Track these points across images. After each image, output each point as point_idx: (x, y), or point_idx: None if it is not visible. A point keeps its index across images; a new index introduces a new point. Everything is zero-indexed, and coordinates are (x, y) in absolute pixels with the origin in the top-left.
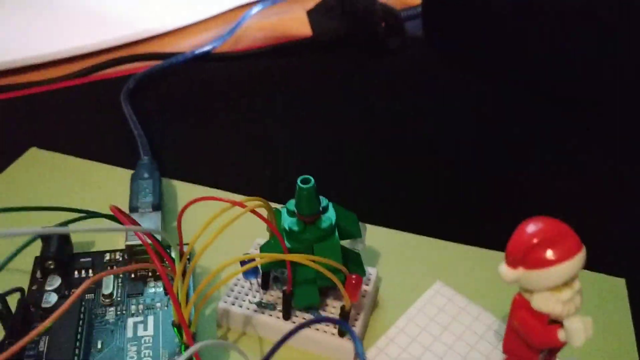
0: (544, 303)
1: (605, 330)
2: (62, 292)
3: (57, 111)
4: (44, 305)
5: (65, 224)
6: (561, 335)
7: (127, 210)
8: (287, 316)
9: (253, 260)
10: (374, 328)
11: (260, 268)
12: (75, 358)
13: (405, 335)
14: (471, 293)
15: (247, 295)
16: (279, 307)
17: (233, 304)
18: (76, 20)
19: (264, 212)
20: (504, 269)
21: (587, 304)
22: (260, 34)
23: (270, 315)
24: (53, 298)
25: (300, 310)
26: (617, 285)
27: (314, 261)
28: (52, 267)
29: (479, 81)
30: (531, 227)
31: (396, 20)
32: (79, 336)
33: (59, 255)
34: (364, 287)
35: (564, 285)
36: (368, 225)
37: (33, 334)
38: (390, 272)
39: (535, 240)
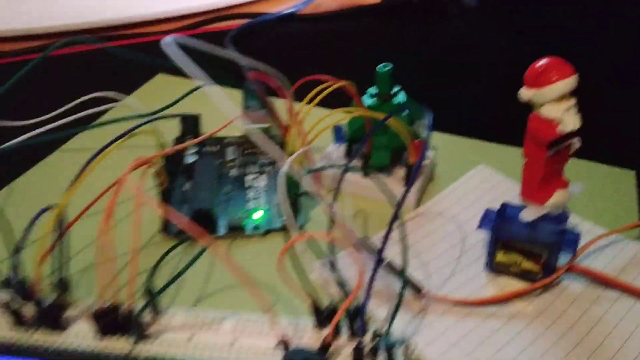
0: (550, 111)
1: (614, 219)
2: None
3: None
4: (184, 163)
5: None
6: (559, 128)
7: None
8: (366, 174)
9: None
10: (428, 194)
11: (346, 137)
12: (212, 195)
13: (449, 199)
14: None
15: (337, 158)
16: (359, 169)
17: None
18: None
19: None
20: (523, 91)
21: (598, 194)
22: (337, 1)
23: (354, 169)
24: (192, 158)
25: (375, 170)
26: (627, 177)
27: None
28: (190, 139)
29: (528, 46)
30: (540, 61)
31: None
32: (214, 181)
33: (195, 136)
34: (423, 162)
35: (562, 98)
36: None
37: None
38: (445, 161)
39: (542, 68)
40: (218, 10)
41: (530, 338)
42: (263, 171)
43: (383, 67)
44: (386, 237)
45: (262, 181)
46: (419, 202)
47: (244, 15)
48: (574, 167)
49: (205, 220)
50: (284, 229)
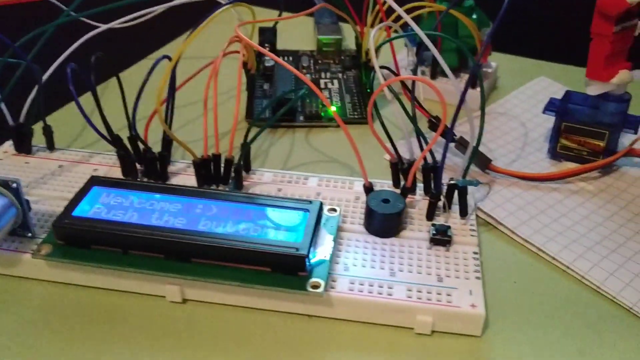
0: None
1: None
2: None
3: None
4: (266, 64)
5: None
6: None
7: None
8: (434, 76)
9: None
10: (491, 99)
11: (417, 40)
12: (291, 90)
13: (511, 102)
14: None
15: (408, 66)
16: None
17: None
18: None
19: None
20: None
21: None
22: None
23: (423, 73)
24: (270, 62)
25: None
26: None
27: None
28: (267, 49)
29: None
30: None
31: None
32: (292, 81)
33: (272, 47)
34: (487, 70)
35: None
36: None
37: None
38: (506, 75)
39: None
40: None
41: (589, 210)
42: (336, 77)
43: None
44: (456, 113)
45: (335, 84)
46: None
47: None
48: None
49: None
50: (354, 122)
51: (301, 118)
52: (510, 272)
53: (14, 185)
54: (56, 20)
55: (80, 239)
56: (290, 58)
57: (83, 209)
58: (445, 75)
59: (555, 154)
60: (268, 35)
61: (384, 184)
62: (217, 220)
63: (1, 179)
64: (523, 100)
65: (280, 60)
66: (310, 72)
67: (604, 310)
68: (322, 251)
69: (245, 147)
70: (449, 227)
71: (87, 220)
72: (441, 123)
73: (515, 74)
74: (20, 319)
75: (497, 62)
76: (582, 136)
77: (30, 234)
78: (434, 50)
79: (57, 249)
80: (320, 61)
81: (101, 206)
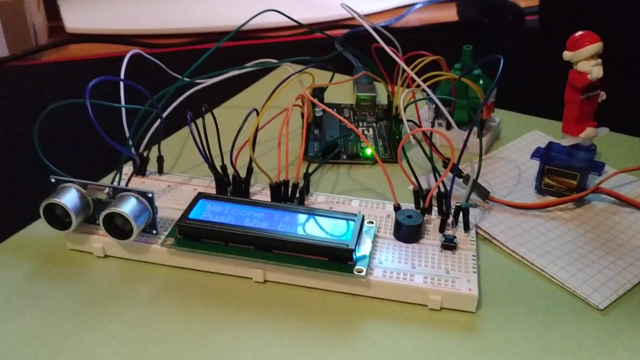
0: (583, 66)
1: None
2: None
3: None
4: (316, 115)
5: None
6: (589, 76)
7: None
8: (449, 128)
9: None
10: (494, 147)
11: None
12: (336, 135)
13: (510, 150)
14: None
15: (429, 119)
16: (444, 125)
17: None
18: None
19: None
20: (565, 53)
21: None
22: (421, 19)
23: (440, 125)
24: (320, 113)
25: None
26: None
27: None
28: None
29: None
30: (577, 33)
31: (520, 14)
32: (337, 128)
33: (320, 101)
34: (491, 123)
35: (591, 57)
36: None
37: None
38: (507, 128)
39: (578, 37)
40: (327, 22)
41: (562, 231)
42: (370, 126)
43: (467, 47)
44: (461, 154)
45: (370, 132)
46: (487, 151)
47: (348, 27)
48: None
49: (332, 151)
50: (384, 161)
51: (344, 157)
52: (499, 272)
53: (150, 195)
54: (174, 84)
55: (194, 234)
56: (335, 110)
57: (196, 213)
58: (460, 125)
59: (540, 189)
60: (318, 92)
61: (408, 206)
62: (290, 224)
63: (141, 190)
64: (519, 148)
65: (335, 114)
66: (350, 122)
67: (566, 300)
68: (364, 249)
69: (307, 177)
70: (455, 237)
71: (199, 221)
72: (450, 162)
73: (515, 127)
74: (148, 291)
75: (501, 117)
76: (560, 176)
77: (155, 232)
78: (444, 110)
79: (177, 241)
80: (358, 113)
81: (208, 212)
